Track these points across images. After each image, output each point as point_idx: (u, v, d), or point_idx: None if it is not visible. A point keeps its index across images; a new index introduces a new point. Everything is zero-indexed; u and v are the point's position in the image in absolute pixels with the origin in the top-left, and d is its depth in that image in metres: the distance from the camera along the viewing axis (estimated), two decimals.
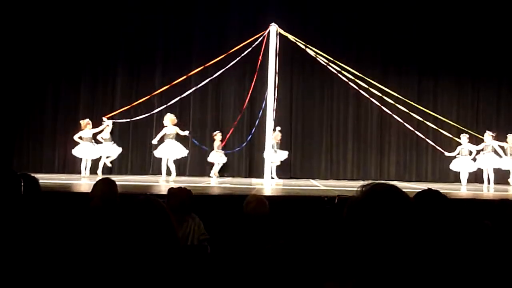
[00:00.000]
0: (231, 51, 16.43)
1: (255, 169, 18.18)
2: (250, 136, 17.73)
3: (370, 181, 2.18)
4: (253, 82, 17.34)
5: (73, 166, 18.37)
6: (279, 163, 16.82)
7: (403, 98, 17.05)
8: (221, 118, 19.06)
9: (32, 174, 4.89)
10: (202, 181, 14.88)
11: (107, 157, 16.86)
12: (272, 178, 15.95)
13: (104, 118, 16.65)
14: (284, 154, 16.85)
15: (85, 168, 16.26)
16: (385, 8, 19.14)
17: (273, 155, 16.08)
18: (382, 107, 17.00)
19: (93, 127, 16.42)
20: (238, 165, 18.93)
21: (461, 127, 16.99)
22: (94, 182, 5.38)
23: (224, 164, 18.06)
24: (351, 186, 14.10)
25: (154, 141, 15.67)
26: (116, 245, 2.68)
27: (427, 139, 17.31)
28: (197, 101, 17.82)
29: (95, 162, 16.66)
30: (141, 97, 18.57)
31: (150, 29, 19.00)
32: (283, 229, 5.25)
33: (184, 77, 17.08)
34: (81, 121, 16.42)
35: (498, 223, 4.80)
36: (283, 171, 17.79)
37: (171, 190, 6.05)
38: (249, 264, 2.44)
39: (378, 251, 1.99)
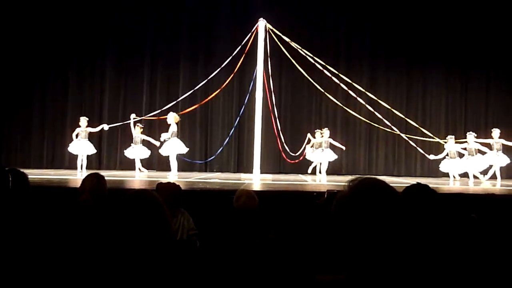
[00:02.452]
0: (223, 65, 16.45)
1: (244, 164, 18.18)
2: (231, 133, 17.73)
3: (357, 176, 2.17)
4: (235, 72, 17.37)
5: (61, 161, 18.40)
6: (326, 162, 17.49)
7: (389, 107, 17.02)
8: (210, 114, 19.08)
9: (21, 170, 4.87)
10: (191, 176, 14.88)
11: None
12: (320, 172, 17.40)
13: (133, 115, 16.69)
14: (332, 155, 17.53)
15: (81, 165, 16.27)
16: (375, 4, 19.18)
17: (320, 154, 17.30)
18: (370, 107, 17.00)
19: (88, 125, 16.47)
20: (227, 160, 18.94)
21: (441, 140, 16.98)
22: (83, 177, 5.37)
23: (213, 158, 18.23)
24: (340, 180, 14.12)
25: (165, 136, 15.71)
26: (108, 239, 2.67)
27: (411, 141, 17.29)
28: (186, 98, 17.74)
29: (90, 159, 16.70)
30: (130, 93, 18.65)
31: (138, 25, 18.94)
32: (272, 224, 5.25)
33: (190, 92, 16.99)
34: (81, 118, 16.43)
35: (485, 217, 4.83)
36: (272, 166, 17.82)
37: (160, 185, 6.03)
38: (239, 258, 2.44)
39: (367, 246, 1.99)
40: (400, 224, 2.01)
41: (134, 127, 16.53)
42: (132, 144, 16.63)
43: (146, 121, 17.28)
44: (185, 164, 16.61)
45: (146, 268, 2.54)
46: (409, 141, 17.23)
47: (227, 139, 18.02)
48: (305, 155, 17.64)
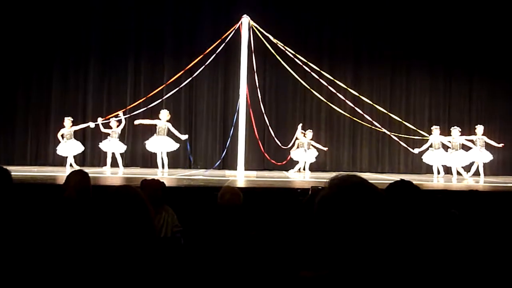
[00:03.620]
0: (206, 51, 16.37)
1: (228, 161, 18.17)
2: (224, 151, 17.70)
3: (338, 174, 2.17)
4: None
5: (45, 158, 18.33)
6: (309, 163, 17.72)
7: (372, 103, 17.10)
8: (195, 111, 19.08)
9: (3, 166, 4.85)
10: (176, 173, 14.87)
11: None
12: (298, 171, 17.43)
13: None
14: (314, 153, 17.80)
15: (71, 165, 16.17)
16: (358, 1, 19.24)
17: (304, 154, 17.52)
18: (353, 105, 17.07)
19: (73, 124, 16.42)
20: (211, 157, 18.93)
21: (423, 134, 17.06)
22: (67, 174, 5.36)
23: (197, 155, 18.28)
24: (324, 177, 14.14)
25: (181, 137, 16.10)
26: (91, 236, 2.66)
27: (395, 137, 17.37)
28: (171, 96, 17.68)
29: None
30: (114, 90, 18.66)
31: (121, 22, 18.87)
32: (256, 221, 5.27)
33: (174, 78, 16.95)
34: (66, 118, 16.35)
35: (468, 213, 4.87)
36: (257, 163, 17.84)
37: (144, 182, 6.03)
38: (224, 255, 2.45)
39: (348, 243, 2.00)
40: (381, 221, 2.03)
41: (104, 127, 16.58)
42: (108, 137, 16.62)
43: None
44: (168, 161, 16.54)
45: (129, 265, 2.53)
46: (392, 136, 17.30)
47: (218, 161, 18.00)
48: (289, 158, 17.76)
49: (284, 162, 17.74)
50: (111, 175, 14.04)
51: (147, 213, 2.73)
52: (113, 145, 16.60)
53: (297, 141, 17.61)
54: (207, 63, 16.33)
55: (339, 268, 2.01)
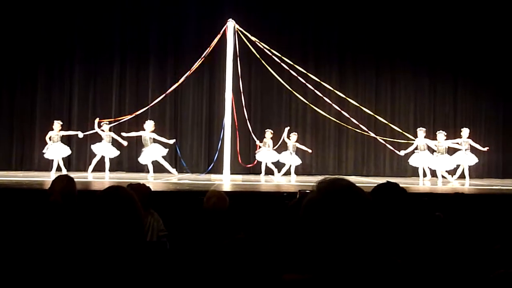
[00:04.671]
0: (193, 67, 16.40)
1: (214, 165, 18.15)
2: (216, 155, 17.67)
3: (325, 177, 2.17)
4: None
5: (30, 163, 18.25)
6: (294, 166, 17.72)
7: (358, 105, 17.14)
8: (180, 116, 19.06)
9: None
10: (161, 177, 14.85)
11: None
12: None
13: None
14: (297, 159, 17.84)
15: (57, 168, 16.09)
16: (342, 3, 19.31)
17: (289, 157, 17.57)
18: (339, 108, 17.12)
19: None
20: (196, 161, 18.92)
21: (409, 136, 17.09)
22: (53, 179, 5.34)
23: (183, 159, 18.26)
24: (311, 181, 14.18)
25: (169, 142, 16.37)
26: (79, 239, 2.65)
27: (380, 139, 17.41)
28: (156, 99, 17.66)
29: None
30: (99, 95, 18.62)
31: (106, 25, 18.86)
32: (242, 224, 5.26)
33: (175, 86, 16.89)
34: (55, 122, 16.27)
35: (452, 215, 4.89)
36: (243, 167, 17.82)
37: (130, 186, 6.01)
38: (209, 259, 2.44)
39: (334, 246, 2.01)
40: (368, 225, 2.03)
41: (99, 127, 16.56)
42: (103, 141, 16.55)
43: (117, 124, 17.15)
44: (154, 165, 16.48)
45: (117, 269, 2.51)
46: (378, 138, 17.32)
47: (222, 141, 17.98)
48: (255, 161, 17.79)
49: (252, 165, 17.74)
50: (96, 179, 13.98)
51: (138, 215, 2.71)
52: (105, 149, 16.53)
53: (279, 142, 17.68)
54: (192, 68, 16.31)
55: (323, 272, 2.01)
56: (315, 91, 16.82)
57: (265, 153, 17.49)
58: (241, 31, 15.55)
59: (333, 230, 2.01)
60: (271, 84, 18.44)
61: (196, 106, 19.06)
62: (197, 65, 16.33)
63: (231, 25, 15.05)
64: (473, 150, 16.49)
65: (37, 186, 10.87)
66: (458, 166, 16.59)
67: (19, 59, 18.47)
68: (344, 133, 19.11)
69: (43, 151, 16.27)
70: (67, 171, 15.90)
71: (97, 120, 16.44)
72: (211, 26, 16.93)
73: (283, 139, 17.57)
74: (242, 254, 2.25)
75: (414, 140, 16.57)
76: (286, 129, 17.64)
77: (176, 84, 16.91)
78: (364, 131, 17.19)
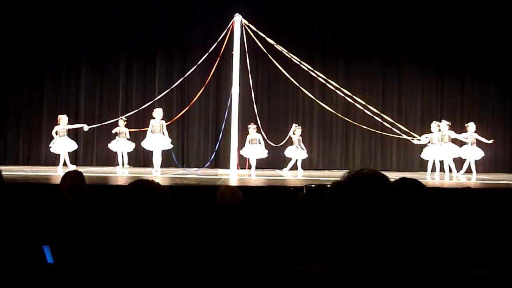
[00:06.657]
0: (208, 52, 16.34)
1: (221, 160, 18.16)
2: (215, 150, 17.67)
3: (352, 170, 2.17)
4: (213, 71, 17.35)
5: (37, 158, 18.29)
6: (300, 160, 17.46)
7: (364, 103, 17.08)
8: (187, 110, 19.04)
9: None
10: (168, 172, 14.87)
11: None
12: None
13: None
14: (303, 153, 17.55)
15: (64, 162, 16.12)
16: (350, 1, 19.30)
17: (296, 151, 17.32)
18: (346, 103, 17.07)
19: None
20: (204, 156, 18.90)
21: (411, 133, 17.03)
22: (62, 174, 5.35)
23: (190, 154, 18.32)
24: (317, 176, 14.19)
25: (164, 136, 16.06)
26: (98, 236, 2.62)
27: (388, 134, 17.37)
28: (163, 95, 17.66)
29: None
30: (106, 90, 18.66)
31: (113, 20, 18.81)
32: (252, 220, 5.26)
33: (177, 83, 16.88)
34: (62, 116, 16.28)
35: (461, 210, 4.90)
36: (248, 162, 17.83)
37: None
38: (223, 255, 2.43)
39: (357, 236, 2.02)
40: (391, 214, 2.04)
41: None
42: (117, 137, 16.70)
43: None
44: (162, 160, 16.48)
45: (149, 267, 2.40)
46: (387, 134, 17.26)
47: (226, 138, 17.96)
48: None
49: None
50: (111, 174, 14.00)
51: (171, 209, 2.56)
52: (121, 145, 16.80)
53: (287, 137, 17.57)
54: (199, 62, 16.29)
55: (338, 263, 2.02)
56: (326, 83, 16.61)
57: (250, 149, 17.12)
58: (248, 26, 15.54)
59: (358, 217, 2.02)
60: (277, 79, 18.41)
61: (203, 101, 18.99)
62: (203, 60, 16.30)
63: (238, 20, 15.04)
64: (479, 144, 16.45)
65: (44, 181, 10.91)
66: (464, 160, 16.56)
67: (26, 55, 18.48)
68: (351, 128, 19.02)
69: (49, 145, 16.29)
70: (75, 165, 15.91)
71: (122, 119, 16.68)
72: (218, 21, 16.95)
73: (289, 136, 17.43)
74: (259, 249, 2.25)
75: (418, 137, 16.48)
76: (294, 125, 17.53)
77: (182, 78, 16.95)
78: (371, 129, 17.16)
